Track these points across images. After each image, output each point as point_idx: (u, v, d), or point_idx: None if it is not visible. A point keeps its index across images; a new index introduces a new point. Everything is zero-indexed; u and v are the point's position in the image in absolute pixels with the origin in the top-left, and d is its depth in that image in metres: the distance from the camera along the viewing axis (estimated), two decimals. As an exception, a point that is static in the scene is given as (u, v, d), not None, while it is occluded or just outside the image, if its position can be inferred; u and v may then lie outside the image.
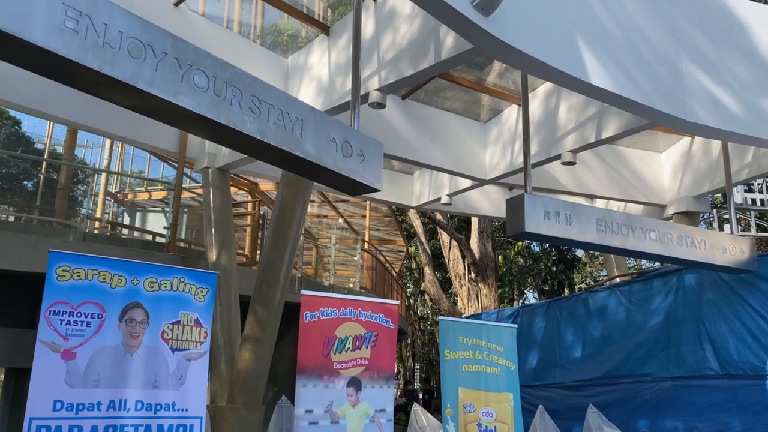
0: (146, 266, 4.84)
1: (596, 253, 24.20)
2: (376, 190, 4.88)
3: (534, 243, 22.87)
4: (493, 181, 8.82)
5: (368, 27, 6.08)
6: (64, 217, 10.30)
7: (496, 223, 20.54)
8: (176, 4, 6.59)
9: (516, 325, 7.61)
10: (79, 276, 4.44)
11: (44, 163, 15.42)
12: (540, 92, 7.94)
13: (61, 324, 4.35)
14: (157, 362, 4.72)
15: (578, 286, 28.87)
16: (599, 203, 10.57)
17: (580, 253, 26.90)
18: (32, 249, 7.75)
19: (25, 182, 19.65)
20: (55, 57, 3.08)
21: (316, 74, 6.95)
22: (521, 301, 29.30)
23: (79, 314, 4.41)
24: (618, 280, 11.26)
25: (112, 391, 4.46)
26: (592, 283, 29.66)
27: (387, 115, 7.80)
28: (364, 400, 5.69)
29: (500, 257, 22.16)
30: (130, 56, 3.26)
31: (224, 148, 8.02)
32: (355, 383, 5.69)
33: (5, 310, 8.22)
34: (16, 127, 18.91)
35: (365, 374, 5.79)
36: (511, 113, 8.53)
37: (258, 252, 11.32)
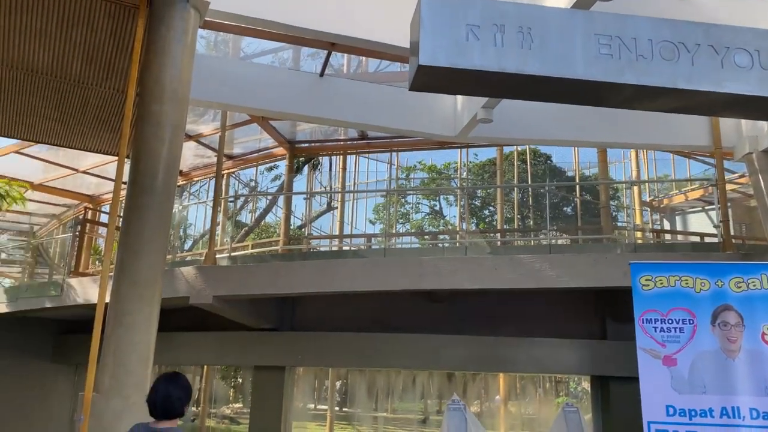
0: (727, 266, 4.61)
1: None
2: None
3: None
4: None
5: None
6: (610, 232, 10.88)
7: None
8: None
9: None
10: (661, 283, 4.55)
11: (577, 187, 16.89)
12: None
13: (655, 331, 4.52)
14: (764, 367, 4.35)
15: None
16: None
17: None
18: (591, 266, 8.35)
19: (564, 208, 22.04)
20: (593, 84, 3.32)
21: None
22: None
23: (669, 321, 4.50)
24: None
25: (721, 397, 4.31)
26: None
27: None
28: None
29: None
30: (663, 60, 3.26)
31: (766, 127, 7.14)
32: None
33: (582, 325, 9.15)
34: (549, 162, 21.36)
35: None
36: None
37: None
